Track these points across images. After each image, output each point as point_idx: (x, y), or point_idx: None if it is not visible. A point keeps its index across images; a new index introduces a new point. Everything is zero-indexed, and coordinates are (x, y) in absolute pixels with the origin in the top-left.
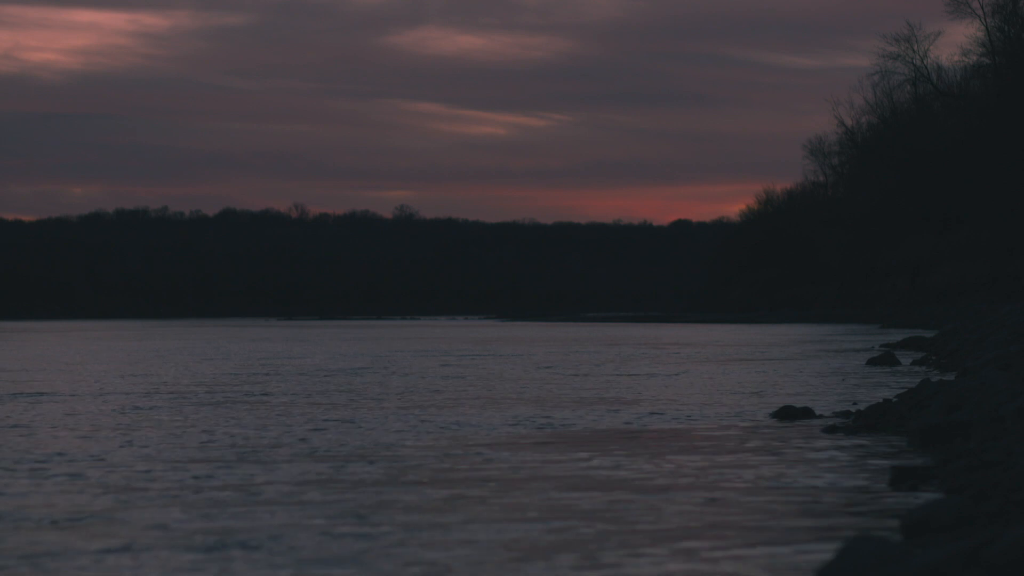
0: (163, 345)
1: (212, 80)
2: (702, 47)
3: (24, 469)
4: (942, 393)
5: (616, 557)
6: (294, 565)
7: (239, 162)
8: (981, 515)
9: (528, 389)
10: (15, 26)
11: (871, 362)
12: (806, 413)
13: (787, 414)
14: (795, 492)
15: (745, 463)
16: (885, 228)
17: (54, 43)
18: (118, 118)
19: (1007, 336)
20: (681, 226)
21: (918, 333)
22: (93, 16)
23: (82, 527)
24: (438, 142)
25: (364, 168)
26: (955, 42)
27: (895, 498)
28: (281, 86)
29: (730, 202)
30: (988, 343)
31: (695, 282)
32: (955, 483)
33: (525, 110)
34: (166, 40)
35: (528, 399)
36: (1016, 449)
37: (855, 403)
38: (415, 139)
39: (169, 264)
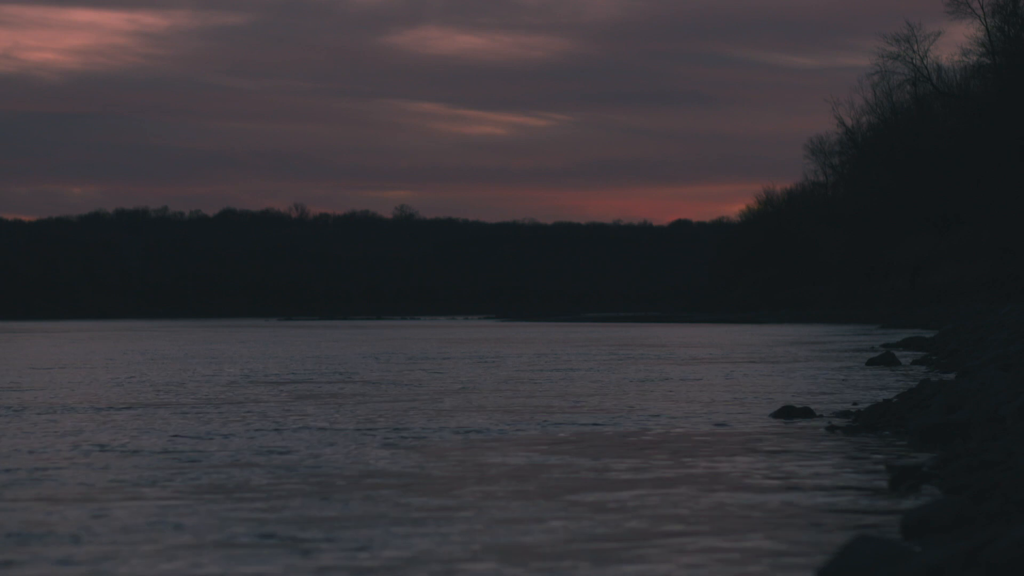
0: (140, 347)
1: (212, 80)
2: (702, 47)
3: None
4: (942, 393)
5: (616, 557)
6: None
7: (239, 162)
8: (981, 515)
9: (527, 392)
10: (14, 26)
11: (871, 362)
12: (806, 413)
13: (787, 414)
14: (795, 492)
15: (745, 463)
16: (885, 228)
17: (53, 43)
18: (118, 118)
19: (1007, 336)
20: (681, 226)
21: (918, 333)
22: (92, 16)
23: None
24: (438, 142)
25: (364, 168)
26: (955, 42)
27: (895, 498)
28: (281, 86)
29: (730, 202)
30: (988, 343)
31: (695, 282)
32: (955, 483)
33: (525, 110)
34: (166, 40)
35: (525, 402)
36: (1016, 449)
37: (855, 403)
38: (415, 139)
39: (169, 264)
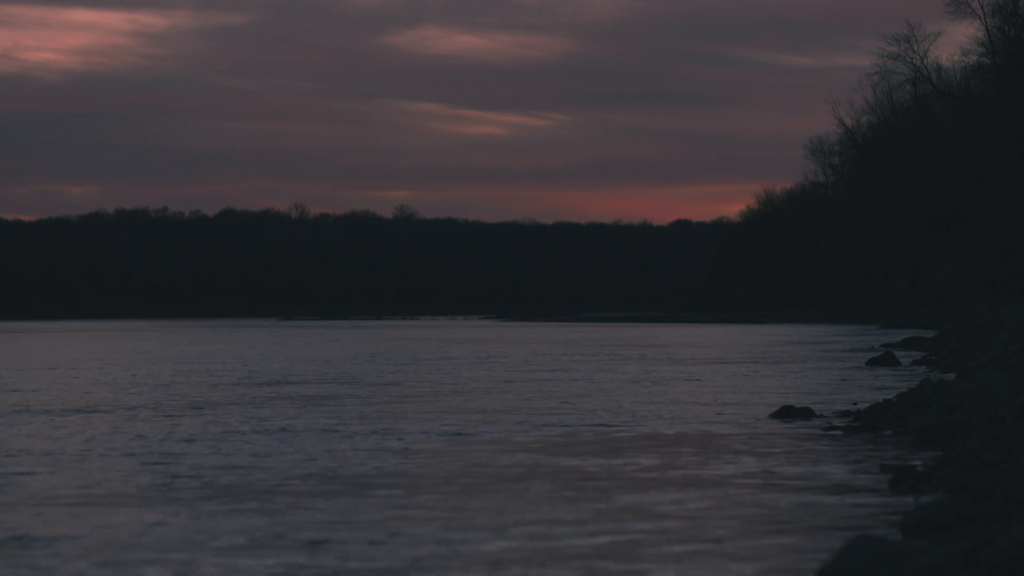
0: (140, 347)
1: (212, 80)
2: (702, 47)
3: None
4: (942, 393)
5: (616, 557)
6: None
7: (239, 162)
8: (981, 515)
9: (527, 392)
10: (14, 26)
11: (871, 362)
12: (806, 413)
13: (787, 414)
14: (795, 492)
15: (745, 463)
16: (885, 228)
17: (53, 43)
18: (118, 118)
19: (1007, 336)
20: (681, 226)
21: (918, 333)
22: (92, 16)
23: None
24: (438, 142)
25: (364, 168)
26: (955, 42)
27: (895, 498)
28: (281, 86)
29: (730, 202)
30: (988, 343)
31: (695, 282)
32: (955, 483)
33: (525, 110)
34: (166, 40)
35: (525, 403)
36: (1016, 449)
37: (855, 403)
38: (415, 139)
39: (169, 264)
